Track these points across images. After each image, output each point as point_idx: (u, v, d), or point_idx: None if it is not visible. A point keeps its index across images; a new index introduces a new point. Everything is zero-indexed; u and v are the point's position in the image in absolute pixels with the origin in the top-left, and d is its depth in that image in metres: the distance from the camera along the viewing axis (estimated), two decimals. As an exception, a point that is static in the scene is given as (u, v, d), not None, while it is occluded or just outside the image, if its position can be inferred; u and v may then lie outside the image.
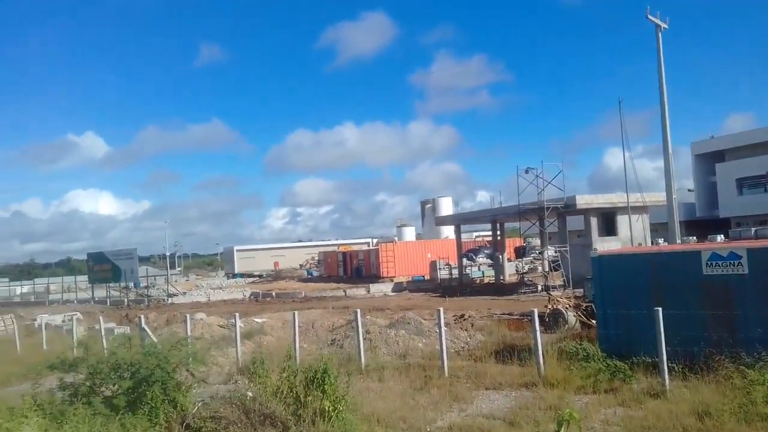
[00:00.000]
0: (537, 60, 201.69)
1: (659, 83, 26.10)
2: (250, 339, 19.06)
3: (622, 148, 30.19)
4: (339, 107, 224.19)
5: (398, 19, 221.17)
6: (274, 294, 48.27)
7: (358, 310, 15.39)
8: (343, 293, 44.97)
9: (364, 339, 15.35)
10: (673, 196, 26.46)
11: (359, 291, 46.10)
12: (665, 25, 25.80)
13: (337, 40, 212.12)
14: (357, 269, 61.43)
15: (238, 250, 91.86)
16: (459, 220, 51.52)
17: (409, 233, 79.01)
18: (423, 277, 52.17)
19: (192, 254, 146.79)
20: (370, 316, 22.00)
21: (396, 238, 75.42)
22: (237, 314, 18.04)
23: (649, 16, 25.34)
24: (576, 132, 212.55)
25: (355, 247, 74.73)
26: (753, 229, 33.12)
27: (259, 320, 23.80)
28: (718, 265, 12.31)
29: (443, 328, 13.76)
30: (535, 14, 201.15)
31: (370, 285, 48.37)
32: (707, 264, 12.42)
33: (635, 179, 30.92)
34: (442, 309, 14.09)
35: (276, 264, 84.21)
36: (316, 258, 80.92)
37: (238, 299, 48.11)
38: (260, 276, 77.62)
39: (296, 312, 16.21)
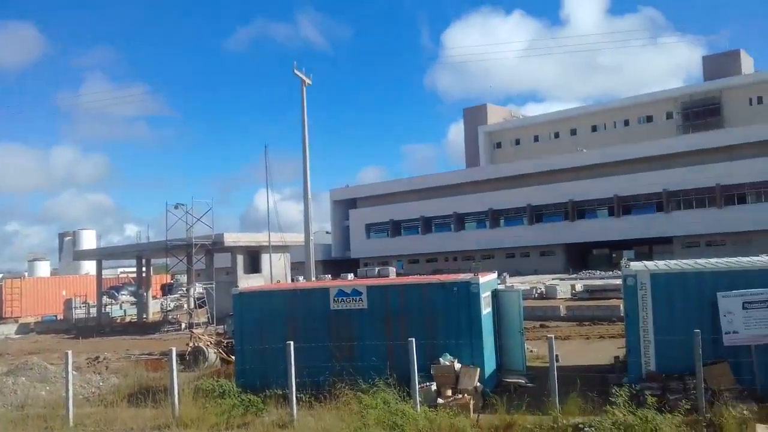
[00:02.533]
0: (198, 98, 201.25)
1: (302, 133, 28.24)
2: None
3: (266, 191, 31.66)
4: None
5: (49, 33, 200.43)
6: None
7: (-36, 358, 13.23)
8: (-50, 338, 38.05)
9: (-30, 391, 13.21)
10: (311, 238, 28.61)
11: (-28, 335, 39.50)
12: (309, 81, 28.15)
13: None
14: (-28, 309, 52.60)
15: None
16: (101, 255, 48.18)
17: (43, 268, 71.21)
18: (56, 316, 47.10)
19: None
20: (-18, 364, 19.05)
21: (26, 274, 67.20)
22: None
23: (296, 71, 27.37)
24: (233, 172, 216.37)
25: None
26: (376, 269, 37.12)
27: None
28: (343, 301, 13.68)
29: (71, 373, 12.61)
30: (199, 54, 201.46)
31: (-12, 327, 41.82)
32: (334, 300, 13.71)
33: (276, 220, 32.67)
34: (71, 352, 12.91)
35: None
36: None
37: None
38: None
39: None
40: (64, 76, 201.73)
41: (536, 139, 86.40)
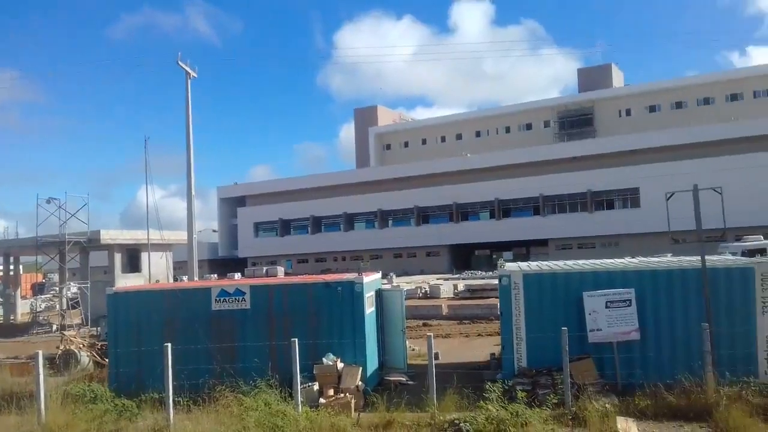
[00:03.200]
0: (78, 87, 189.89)
1: (186, 127, 27.36)
2: None
3: (146, 187, 30.26)
4: None
5: None
6: None
7: None
8: None
9: None
10: (194, 236, 27.81)
11: None
12: (194, 74, 27.27)
13: None
14: None
15: None
16: (-40, 252, 44.37)
17: None
18: None
19: None
20: None
21: None
22: None
23: (180, 63, 26.39)
24: (115, 166, 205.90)
25: None
26: (264, 268, 36.72)
27: None
28: (226, 301, 13.43)
29: None
30: (80, 40, 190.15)
31: None
32: (216, 300, 13.43)
33: (157, 217, 31.48)
34: None
35: None
36: None
37: None
38: None
39: None
40: None
41: (424, 142, 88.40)
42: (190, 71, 26.98)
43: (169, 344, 10.99)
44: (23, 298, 43.98)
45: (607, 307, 12.18)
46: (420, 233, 69.43)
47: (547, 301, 12.62)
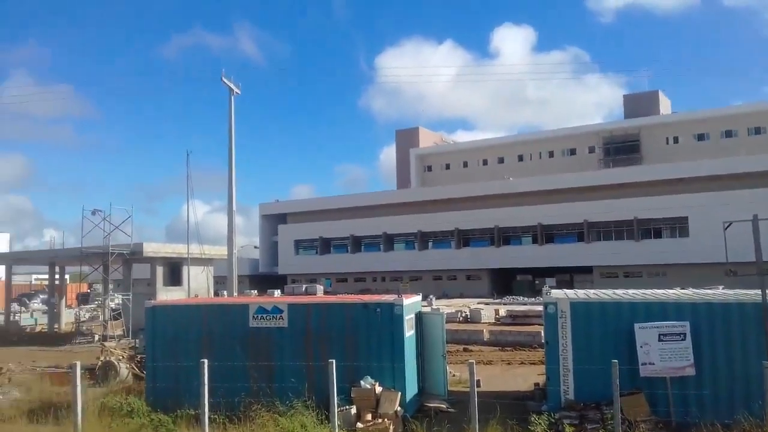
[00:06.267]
0: (128, 103, 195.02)
1: (229, 143, 27.58)
2: None
3: (187, 200, 30.48)
4: None
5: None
6: None
7: None
8: None
9: None
10: (234, 251, 27.89)
11: None
12: (238, 90, 27.50)
13: None
14: None
15: None
16: (10, 260, 45.52)
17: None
18: (-44, 324, 44.11)
19: None
20: None
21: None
22: None
23: (224, 80, 26.67)
24: (161, 181, 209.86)
25: None
26: (304, 286, 36.57)
27: None
28: (264, 318, 13.25)
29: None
30: (131, 58, 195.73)
31: None
32: (254, 317, 13.27)
33: (197, 231, 31.69)
34: (-36, 363, 11.99)
35: None
36: None
37: None
38: None
39: None
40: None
41: (465, 164, 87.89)
42: (234, 88, 27.24)
43: (206, 360, 10.81)
44: (68, 307, 44.71)
45: (660, 340, 11.60)
46: (460, 256, 68.68)
47: (595, 332, 12.10)
